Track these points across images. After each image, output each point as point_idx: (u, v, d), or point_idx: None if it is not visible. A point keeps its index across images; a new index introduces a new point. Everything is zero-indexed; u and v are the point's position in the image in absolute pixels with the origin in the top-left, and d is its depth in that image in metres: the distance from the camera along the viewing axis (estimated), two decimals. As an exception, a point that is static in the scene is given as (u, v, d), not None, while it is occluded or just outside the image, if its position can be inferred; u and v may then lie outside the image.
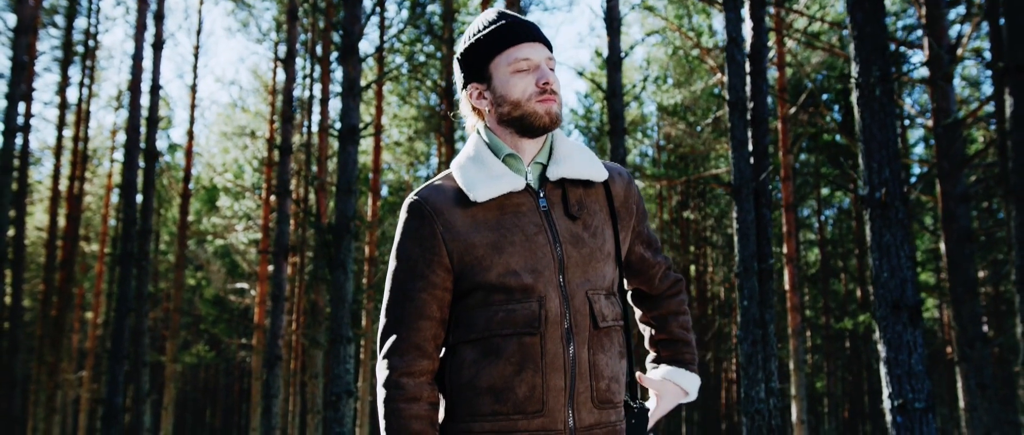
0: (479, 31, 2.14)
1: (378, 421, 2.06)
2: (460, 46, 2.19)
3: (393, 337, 2.05)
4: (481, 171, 2.10)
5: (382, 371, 2.04)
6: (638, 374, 2.26)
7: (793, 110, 20.22)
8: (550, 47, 2.15)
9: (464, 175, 2.11)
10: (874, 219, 7.09)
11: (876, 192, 7.05)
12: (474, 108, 2.20)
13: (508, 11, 2.24)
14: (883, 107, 7.16)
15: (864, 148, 7.24)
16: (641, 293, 2.42)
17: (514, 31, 2.10)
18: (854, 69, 7.38)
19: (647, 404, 2.24)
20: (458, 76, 2.21)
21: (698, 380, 2.34)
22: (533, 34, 2.11)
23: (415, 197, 2.13)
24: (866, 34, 7.32)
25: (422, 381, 2.03)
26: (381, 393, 2.03)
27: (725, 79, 10.67)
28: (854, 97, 7.37)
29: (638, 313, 2.44)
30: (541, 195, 2.12)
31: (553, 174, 2.13)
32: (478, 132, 2.21)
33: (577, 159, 2.17)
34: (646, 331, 2.44)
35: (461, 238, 2.05)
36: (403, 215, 2.14)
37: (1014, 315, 24.12)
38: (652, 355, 2.41)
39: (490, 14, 2.16)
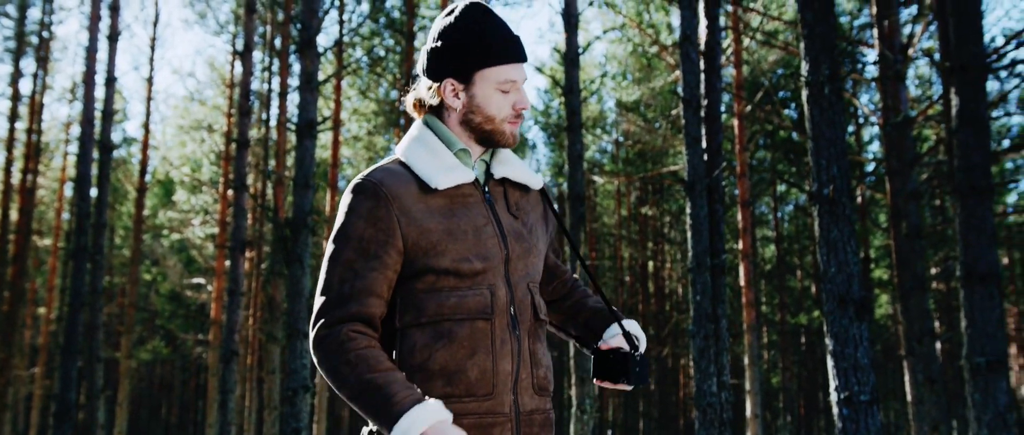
0: (474, 32, 2.17)
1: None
2: (446, 35, 2.20)
3: (339, 310, 2.04)
4: (435, 160, 2.14)
5: (327, 335, 2.03)
6: (603, 344, 2.33)
7: (750, 108, 20.44)
8: (527, 60, 2.23)
9: (420, 162, 2.15)
10: (822, 215, 7.23)
11: (824, 189, 7.18)
12: (441, 100, 2.22)
13: (494, 14, 2.24)
14: (832, 105, 7.30)
15: (813, 146, 7.37)
16: (552, 296, 2.51)
17: (509, 49, 2.16)
18: (804, 67, 7.51)
19: (639, 351, 2.31)
20: (433, 63, 2.22)
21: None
22: (522, 54, 2.19)
23: (368, 178, 2.13)
24: (816, 33, 7.46)
25: (375, 343, 2.04)
26: (331, 352, 2.00)
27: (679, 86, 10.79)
28: (804, 95, 7.50)
29: (551, 315, 2.50)
30: (486, 190, 2.20)
31: (497, 172, 2.23)
32: (427, 122, 2.24)
33: (517, 164, 2.28)
34: (564, 317, 2.50)
35: (417, 223, 2.07)
36: (352, 196, 2.12)
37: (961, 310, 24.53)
38: (581, 327, 2.47)
39: (484, 15, 2.19)
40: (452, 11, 2.22)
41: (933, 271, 26.54)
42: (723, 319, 9.48)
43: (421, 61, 2.29)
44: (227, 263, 22.59)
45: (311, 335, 2.06)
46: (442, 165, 2.13)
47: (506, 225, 2.17)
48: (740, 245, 20.05)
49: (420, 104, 2.27)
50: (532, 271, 2.21)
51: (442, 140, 2.20)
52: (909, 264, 12.32)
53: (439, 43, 2.20)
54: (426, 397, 1.95)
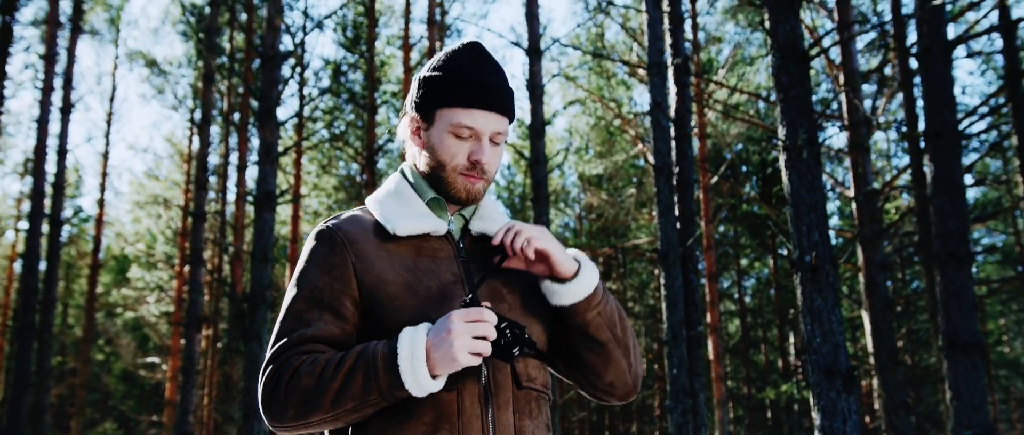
0: (445, 68, 1.92)
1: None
2: (427, 67, 1.97)
3: (287, 352, 1.76)
4: (402, 207, 1.90)
5: (276, 372, 1.74)
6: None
7: (714, 180, 20.39)
8: (511, 116, 1.95)
9: (382, 208, 1.91)
10: (804, 284, 6.96)
11: (806, 256, 6.92)
12: (409, 139, 1.99)
13: (487, 55, 1.96)
14: (811, 169, 7.09)
15: (793, 211, 7.13)
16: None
17: (473, 92, 1.88)
18: (781, 132, 7.31)
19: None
20: (412, 93, 1.99)
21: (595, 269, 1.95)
22: (492, 102, 1.90)
23: (325, 225, 1.90)
24: (791, 97, 7.27)
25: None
26: (288, 382, 1.71)
27: (647, 148, 10.61)
28: (781, 160, 7.29)
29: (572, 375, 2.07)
30: (461, 246, 1.93)
31: (476, 228, 1.96)
32: (403, 172, 2.01)
33: (501, 220, 1.99)
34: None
35: (374, 271, 1.82)
36: (310, 243, 1.90)
37: (932, 383, 24.44)
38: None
39: (465, 53, 1.94)
40: (450, 46, 1.99)
41: (899, 343, 26.45)
42: (701, 393, 9.12)
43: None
44: (182, 341, 21.92)
45: (261, 387, 1.75)
46: (407, 212, 1.88)
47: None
48: (708, 318, 19.80)
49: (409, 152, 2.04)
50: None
51: (416, 189, 1.95)
52: (883, 336, 12.10)
53: (420, 75, 1.96)
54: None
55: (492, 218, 1.98)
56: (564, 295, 1.87)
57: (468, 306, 1.69)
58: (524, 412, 1.82)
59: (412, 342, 1.65)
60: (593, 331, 1.90)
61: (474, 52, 1.94)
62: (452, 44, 2.00)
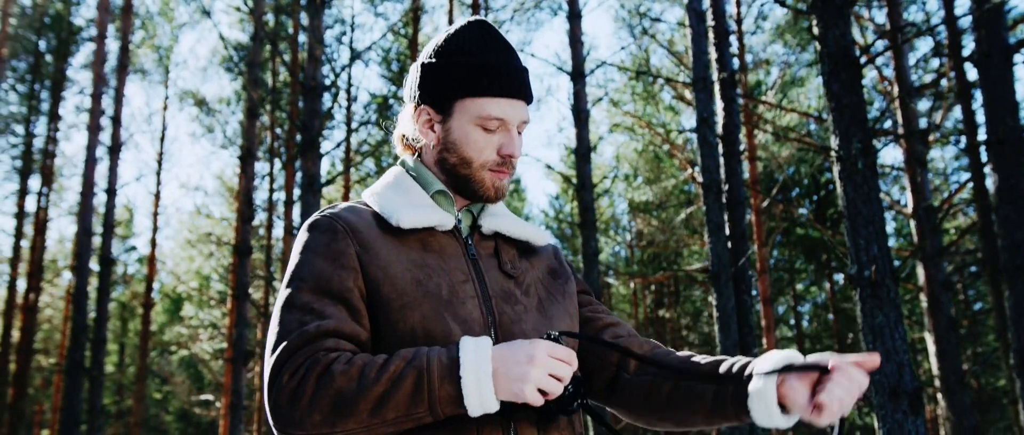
0: (462, 52, 1.69)
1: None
2: (429, 51, 1.74)
3: (307, 348, 1.48)
4: (404, 198, 1.67)
5: (301, 371, 1.45)
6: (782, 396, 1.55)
7: (766, 203, 19.95)
8: (531, 101, 1.72)
9: (382, 200, 1.68)
10: (864, 300, 6.58)
11: (865, 270, 6.56)
12: (419, 132, 1.75)
13: (497, 34, 1.72)
14: (867, 180, 6.74)
15: (849, 225, 6.78)
16: (622, 377, 1.78)
17: (501, 79, 1.66)
18: (834, 142, 6.98)
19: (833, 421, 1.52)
20: (413, 81, 1.76)
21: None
22: (519, 88, 1.68)
23: (321, 214, 1.66)
24: (844, 105, 6.94)
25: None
26: (316, 382, 1.43)
27: (697, 170, 10.30)
28: (836, 172, 6.95)
29: (626, 402, 1.77)
30: (470, 242, 1.70)
31: (487, 225, 1.73)
32: (403, 164, 1.78)
33: (512, 218, 1.77)
34: (654, 388, 1.73)
35: (380, 263, 1.58)
36: (303, 235, 1.64)
37: (1001, 407, 23.58)
38: (708, 375, 1.68)
39: (475, 34, 1.71)
40: (451, 26, 1.75)
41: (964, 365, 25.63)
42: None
43: (407, 80, 1.80)
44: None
45: (276, 388, 1.45)
46: (410, 202, 1.65)
47: (491, 284, 1.64)
48: (764, 344, 19.30)
49: (405, 139, 1.80)
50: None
51: (419, 181, 1.72)
52: (949, 357, 11.60)
53: (424, 60, 1.73)
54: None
55: (502, 214, 1.77)
56: (768, 419, 1.56)
57: (554, 341, 1.45)
58: (549, 429, 1.58)
59: (477, 354, 1.41)
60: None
61: (485, 32, 1.71)
62: (454, 25, 1.76)
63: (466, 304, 1.59)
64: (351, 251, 1.58)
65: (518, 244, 1.78)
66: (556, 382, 1.42)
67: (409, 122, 1.77)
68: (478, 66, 1.66)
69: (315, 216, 1.67)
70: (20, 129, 26.07)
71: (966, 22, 10.85)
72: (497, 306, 1.62)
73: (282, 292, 1.59)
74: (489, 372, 1.40)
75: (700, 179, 9.13)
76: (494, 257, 1.71)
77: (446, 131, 1.69)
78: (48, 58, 25.15)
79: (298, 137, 19.47)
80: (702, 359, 1.70)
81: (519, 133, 1.70)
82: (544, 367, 1.40)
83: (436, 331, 1.53)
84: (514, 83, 1.67)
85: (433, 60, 1.72)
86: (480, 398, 1.39)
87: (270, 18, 20.55)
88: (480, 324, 1.57)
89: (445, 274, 1.61)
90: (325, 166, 22.73)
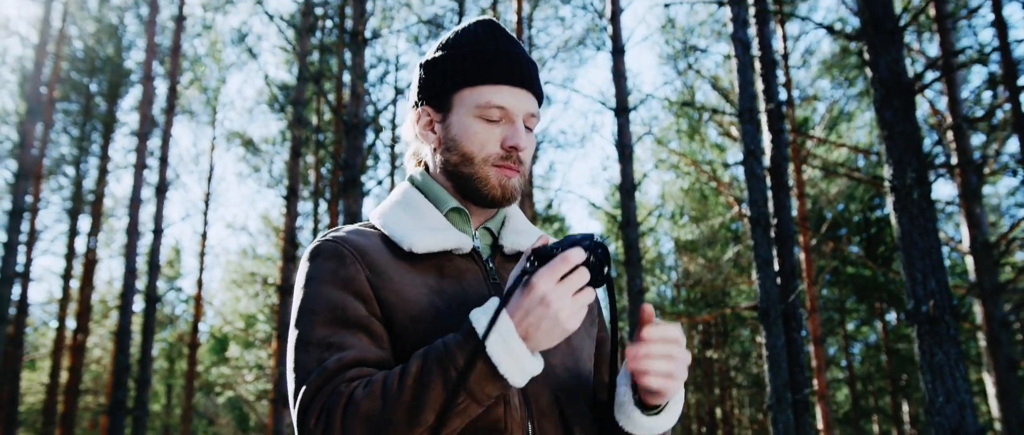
0: (457, 45, 1.55)
1: None
2: (432, 49, 1.60)
3: (328, 386, 1.33)
4: (415, 220, 1.51)
5: (325, 409, 1.32)
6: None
7: (815, 240, 19.57)
8: (540, 98, 1.56)
9: (389, 222, 1.52)
10: (922, 336, 6.29)
11: (923, 305, 6.28)
12: (419, 136, 1.61)
13: (503, 29, 1.59)
14: (922, 211, 6.47)
15: (905, 258, 6.51)
16: None
17: (498, 65, 1.51)
18: (887, 172, 6.73)
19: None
20: (414, 86, 1.62)
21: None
22: (522, 76, 1.52)
23: (323, 238, 1.51)
24: (897, 133, 6.70)
25: None
26: (343, 414, 1.29)
27: (744, 205, 10.04)
28: (890, 203, 6.69)
29: None
30: (491, 266, 1.53)
31: (508, 244, 1.57)
32: (412, 180, 1.62)
33: (536, 233, 1.60)
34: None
35: (394, 287, 1.43)
36: (306, 264, 1.49)
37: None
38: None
39: (480, 27, 1.57)
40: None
41: None
42: (810, 463, 8.41)
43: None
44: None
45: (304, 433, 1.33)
46: (423, 225, 1.48)
47: None
48: (815, 384, 18.82)
49: (417, 156, 1.66)
50: (562, 374, 1.48)
51: (431, 199, 1.55)
52: (1010, 398, 11.15)
53: (422, 62, 1.60)
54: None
55: (527, 233, 1.60)
56: (635, 426, 1.47)
57: (539, 249, 1.29)
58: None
59: (487, 316, 1.26)
60: None
61: (491, 25, 1.57)
62: (461, 24, 1.62)
63: None
64: (361, 276, 1.44)
65: None
66: (585, 292, 1.27)
67: (410, 129, 1.63)
68: (476, 53, 1.52)
69: (317, 241, 1.52)
70: (70, 171, 26.46)
71: (1023, 51, 10.55)
72: None
73: (293, 331, 1.45)
74: (512, 328, 1.24)
75: (747, 213, 8.88)
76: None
77: (446, 128, 1.55)
78: (98, 100, 25.57)
79: (341, 176, 19.54)
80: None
81: (527, 128, 1.55)
82: (563, 296, 1.24)
83: None
84: (516, 71, 1.52)
85: (434, 56, 1.59)
86: (514, 360, 1.25)
87: (315, 57, 20.72)
88: None
89: (463, 303, 1.46)
90: (368, 205, 22.76)
